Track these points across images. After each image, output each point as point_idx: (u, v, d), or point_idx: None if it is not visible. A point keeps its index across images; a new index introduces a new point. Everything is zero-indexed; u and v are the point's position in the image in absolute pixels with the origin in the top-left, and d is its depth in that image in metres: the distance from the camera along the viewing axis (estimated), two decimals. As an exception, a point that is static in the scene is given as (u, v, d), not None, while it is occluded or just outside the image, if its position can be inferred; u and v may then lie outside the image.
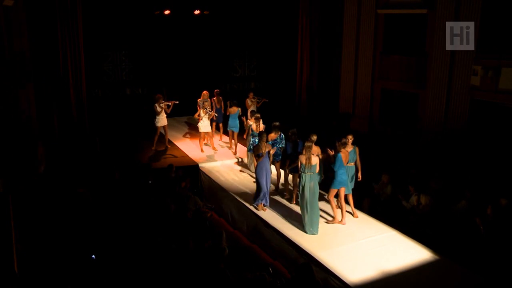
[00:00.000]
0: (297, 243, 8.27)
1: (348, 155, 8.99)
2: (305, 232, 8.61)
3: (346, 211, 9.16)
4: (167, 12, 16.11)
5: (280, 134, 10.39)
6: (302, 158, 8.48)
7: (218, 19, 17.29)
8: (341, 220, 9.03)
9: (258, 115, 11.57)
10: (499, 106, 12.07)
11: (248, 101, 14.14)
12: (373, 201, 10.25)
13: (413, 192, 9.83)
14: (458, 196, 9.45)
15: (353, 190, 9.56)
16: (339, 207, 9.16)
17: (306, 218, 8.58)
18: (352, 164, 9.34)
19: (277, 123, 10.42)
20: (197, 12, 16.63)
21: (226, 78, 18.47)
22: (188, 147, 13.87)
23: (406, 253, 8.00)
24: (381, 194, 10.38)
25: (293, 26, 17.39)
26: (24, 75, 12.12)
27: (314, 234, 8.56)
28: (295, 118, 16.90)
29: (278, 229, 8.82)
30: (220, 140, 14.56)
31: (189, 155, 13.06)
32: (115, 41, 16.20)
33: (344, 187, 8.84)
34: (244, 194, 10.52)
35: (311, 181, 8.49)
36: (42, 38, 13.50)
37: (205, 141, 13.71)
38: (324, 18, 17.10)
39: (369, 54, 15.36)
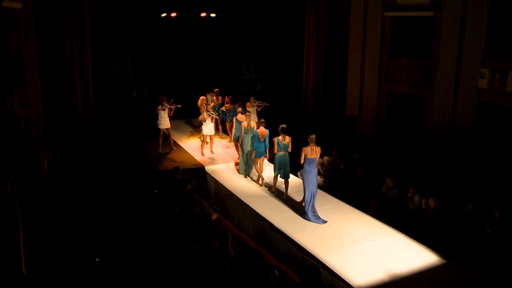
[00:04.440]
0: (303, 246, 8.25)
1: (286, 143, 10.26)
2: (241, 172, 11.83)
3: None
4: (173, 14, 16.17)
5: (234, 106, 13.82)
6: (244, 124, 11.53)
7: (224, 22, 17.33)
8: (258, 180, 11.38)
9: (217, 90, 14.68)
10: (506, 109, 12.02)
11: (249, 105, 14.17)
12: (379, 203, 10.23)
13: (414, 193, 9.82)
14: (464, 199, 9.42)
15: (358, 192, 10.04)
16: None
17: (242, 164, 11.78)
18: (283, 152, 10.27)
19: (230, 96, 14.52)
20: (203, 14, 16.68)
21: (232, 80, 18.50)
22: (194, 149, 13.88)
23: (413, 256, 7.98)
24: (388, 197, 10.38)
25: (299, 29, 17.41)
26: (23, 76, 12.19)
27: (246, 176, 11.68)
28: (301, 120, 16.91)
29: (284, 231, 8.80)
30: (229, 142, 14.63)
31: (195, 157, 13.09)
32: (121, 43, 16.27)
33: (263, 157, 11.18)
34: (250, 197, 10.50)
35: (249, 139, 11.42)
36: (50, 40, 13.59)
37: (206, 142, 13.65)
38: (330, 21, 17.11)
39: (375, 57, 15.37)
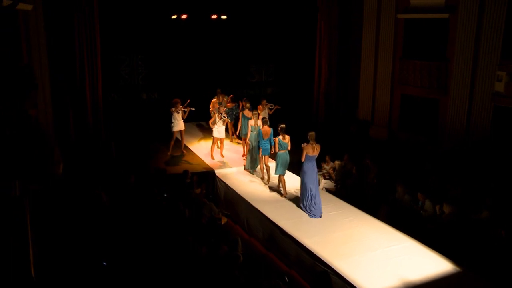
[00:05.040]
0: (314, 251, 8.22)
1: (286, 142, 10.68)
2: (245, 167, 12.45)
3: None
4: (184, 16, 16.25)
5: (236, 104, 14.72)
6: (252, 122, 12.15)
7: (235, 24, 17.36)
8: (264, 179, 11.77)
9: (219, 90, 15.02)
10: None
11: (261, 108, 14.21)
12: (391, 209, 10.18)
13: (424, 199, 9.76)
14: (480, 205, 9.34)
15: (371, 197, 10.31)
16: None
17: (249, 159, 12.28)
18: (284, 151, 10.67)
19: (232, 95, 14.99)
20: (214, 16, 16.74)
21: (242, 83, 18.52)
22: (204, 152, 13.93)
23: (426, 263, 7.93)
24: (399, 203, 10.33)
25: (311, 31, 17.39)
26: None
27: (251, 172, 12.22)
28: (312, 125, 16.88)
29: (295, 237, 8.79)
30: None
31: (205, 161, 13.14)
32: (131, 46, 16.37)
33: (267, 155, 11.55)
34: (260, 201, 10.50)
35: (256, 136, 11.83)
36: (60, 42, 13.72)
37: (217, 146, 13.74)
38: (343, 23, 17.08)
39: (388, 60, 15.32)
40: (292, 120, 14.04)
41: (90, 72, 14.20)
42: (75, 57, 13.90)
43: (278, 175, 10.92)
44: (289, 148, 10.72)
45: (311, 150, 9.62)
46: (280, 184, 11.00)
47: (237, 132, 14.08)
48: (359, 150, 13.53)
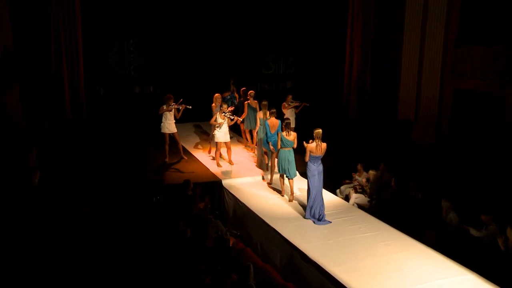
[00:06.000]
0: (343, 283, 8.11)
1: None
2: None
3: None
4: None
5: (231, 92, 15.91)
6: (260, 114, 12.91)
7: (248, 3, 17.36)
8: (267, 178, 12.66)
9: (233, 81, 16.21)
10: None
11: (285, 105, 14.14)
12: (439, 233, 10.01)
13: (490, 222, 9.55)
14: None
15: (415, 216, 10.41)
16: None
17: (259, 156, 13.30)
18: (287, 149, 11.30)
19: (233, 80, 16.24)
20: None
21: (256, 76, 18.53)
22: (208, 158, 13.99)
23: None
24: (448, 224, 10.19)
25: (341, 12, 17.33)
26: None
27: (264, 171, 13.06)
28: (342, 125, 16.81)
29: (319, 263, 8.70)
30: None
31: (210, 169, 13.15)
32: (121, 28, 16.48)
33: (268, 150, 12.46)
34: (277, 219, 10.49)
35: (264, 130, 12.47)
36: (30, 24, 13.66)
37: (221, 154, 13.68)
38: (381, 1, 16.99)
39: (438, 45, 15.30)
40: (316, 120, 13.91)
41: (69, 60, 14.28)
42: (50, 40, 13.87)
43: (280, 174, 11.71)
44: (294, 146, 11.32)
45: (315, 149, 10.26)
46: (285, 187, 11.71)
47: (243, 126, 14.67)
48: (399, 157, 13.46)
